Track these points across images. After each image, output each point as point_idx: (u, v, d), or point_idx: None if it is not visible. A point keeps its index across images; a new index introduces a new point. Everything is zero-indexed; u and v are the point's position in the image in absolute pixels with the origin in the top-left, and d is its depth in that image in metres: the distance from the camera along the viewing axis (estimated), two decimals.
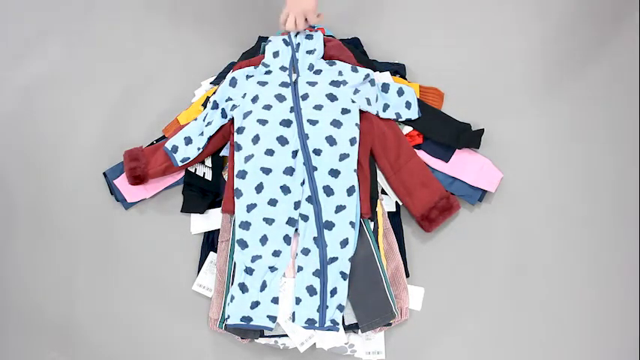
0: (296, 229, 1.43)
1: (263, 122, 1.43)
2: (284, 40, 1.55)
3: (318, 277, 1.39)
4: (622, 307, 1.49)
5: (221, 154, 1.57)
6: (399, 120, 1.56)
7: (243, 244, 1.39)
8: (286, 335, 1.42)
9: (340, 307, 1.38)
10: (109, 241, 1.60)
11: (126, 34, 1.80)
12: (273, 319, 1.38)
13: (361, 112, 1.50)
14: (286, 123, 1.44)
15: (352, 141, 1.44)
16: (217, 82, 1.67)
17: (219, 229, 1.53)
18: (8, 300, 1.57)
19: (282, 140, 1.43)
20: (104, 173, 1.63)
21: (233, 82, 1.50)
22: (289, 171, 1.42)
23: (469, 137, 1.57)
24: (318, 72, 1.51)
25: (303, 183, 1.42)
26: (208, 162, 1.57)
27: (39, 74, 1.77)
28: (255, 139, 1.42)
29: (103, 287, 1.56)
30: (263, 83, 1.48)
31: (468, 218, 1.57)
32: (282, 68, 1.51)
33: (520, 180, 1.59)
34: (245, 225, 1.40)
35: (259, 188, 1.41)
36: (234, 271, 1.41)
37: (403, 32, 1.75)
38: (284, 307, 1.40)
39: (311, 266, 1.39)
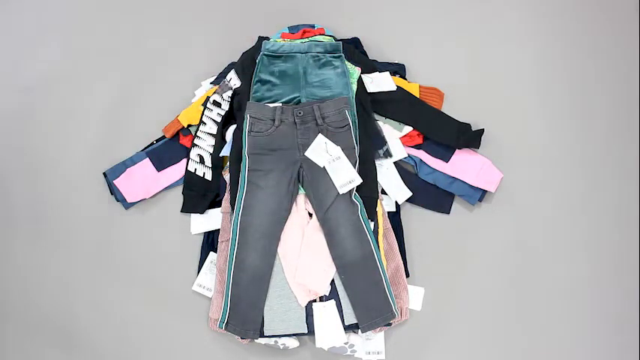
0: None
1: None
2: None
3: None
4: (622, 307, 1.49)
5: (221, 154, 1.57)
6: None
7: None
8: (286, 335, 1.42)
9: None
10: (108, 240, 1.60)
11: (126, 34, 1.80)
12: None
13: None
14: None
15: None
16: (217, 82, 1.67)
17: (219, 229, 1.53)
18: (8, 300, 1.57)
19: None
20: (104, 173, 1.62)
21: None
22: None
23: (469, 137, 1.57)
24: None
25: None
26: (208, 162, 1.57)
27: (39, 74, 1.77)
28: None
29: (102, 287, 1.56)
30: None
31: (468, 218, 1.57)
32: None
33: (520, 180, 1.59)
34: None
35: None
36: None
37: (403, 32, 1.75)
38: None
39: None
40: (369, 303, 1.40)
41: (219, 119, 1.58)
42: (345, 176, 1.44)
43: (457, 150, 1.57)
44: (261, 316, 1.42)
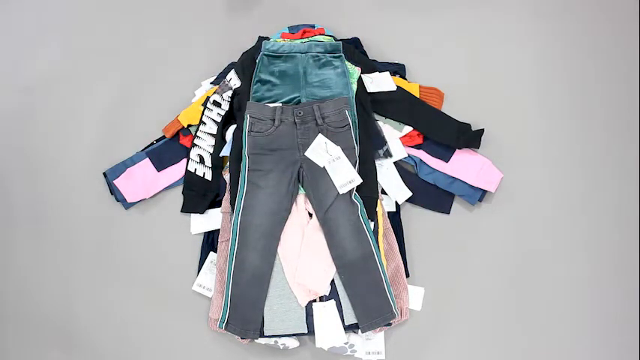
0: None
1: None
2: None
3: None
4: (622, 307, 1.49)
5: (221, 154, 1.57)
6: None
7: None
8: (286, 335, 1.42)
9: None
10: (108, 240, 1.60)
11: (126, 34, 1.80)
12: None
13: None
14: None
15: None
16: (217, 82, 1.67)
17: (219, 229, 1.53)
18: (8, 300, 1.57)
19: None
20: (104, 173, 1.63)
21: None
22: None
23: (469, 137, 1.57)
24: None
25: None
26: (208, 162, 1.57)
27: (39, 74, 1.77)
28: None
29: (102, 287, 1.56)
30: None
31: (468, 218, 1.57)
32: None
33: (520, 180, 1.59)
34: None
35: None
36: None
37: (403, 32, 1.75)
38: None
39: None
40: (369, 303, 1.40)
41: (219, 119, 1.59)
42: (345, 176, 1.44)
43: (457, 150, 1.57)
44: (261, 316, 1.42)
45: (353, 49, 1.64)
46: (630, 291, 1.50)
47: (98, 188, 1.64)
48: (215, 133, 1.58)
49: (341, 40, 1.65)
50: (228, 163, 1.56)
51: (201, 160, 1.57)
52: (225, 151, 1.56)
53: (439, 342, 1.48)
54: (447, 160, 1.56)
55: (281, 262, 1.45)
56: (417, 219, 1.56)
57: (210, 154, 1.57)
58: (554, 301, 1.50)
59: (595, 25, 1.73)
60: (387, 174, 1.56)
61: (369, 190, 1.49)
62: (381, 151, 1.55)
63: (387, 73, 1.63)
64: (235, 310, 1.41)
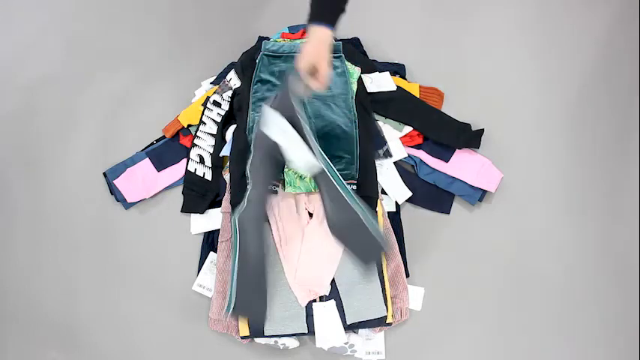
0: None
1: None
2: None
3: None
4: (622, 308, 1.49)
5: (221, 154, 1.57)
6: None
7: None
8: (286, 335, 1.42)
9: None
10: (109, 241, 1.60)
11: (126, 34, 1.80)
12: None
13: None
14: None
15: None
16: (217, 82, 1.67)
17: (219, 229, 1.53)
18: (9, 300, 1.57)
19: None
20: (104, 173, 1.63)
21: None
22: None
23: (469, 137, 1.57)
24: None
25: None
26: (208, 162, 1.57)
27: (39, 74, 1.77)
28: None
29: (102, 287, 1.56)
30: None
31: (468, 218, 1.57)
32: None
33: (520, 180, 1.59)
34: None
35: None
36: None
37: (403, 32, 1.75)
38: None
39: None
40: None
41: (219, 119, 1.59)
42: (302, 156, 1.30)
43: (457, 150, 1.57)
44: (266, 301, 1.39)
45: (353, 49, 1.64)
46: (630, 291, 1.50)
47: (98, 188, 1.64)
48: (215, 133, 1.58)
49: (341, 40, 1.65)
50: (228, 163, 1.56)
51: (201, 160, 1.57)
52: (225, 151, 1.56)
53: (439, 342, 1.48)
54: (447, 160, 1.57)
55: (281, 262, 1.45)
56: (417, 219, 1.56)
57: (210, 154, 1.58)
58: (554, 300, 1.50)
59: (595, 24, 1.73)
60: (387, 174, 1.56)
61: (369, 190, 1.49)
62: (381, 151, 1.55)
63: (387, 73, 1.63)
64: (243, 291, 1.37)
